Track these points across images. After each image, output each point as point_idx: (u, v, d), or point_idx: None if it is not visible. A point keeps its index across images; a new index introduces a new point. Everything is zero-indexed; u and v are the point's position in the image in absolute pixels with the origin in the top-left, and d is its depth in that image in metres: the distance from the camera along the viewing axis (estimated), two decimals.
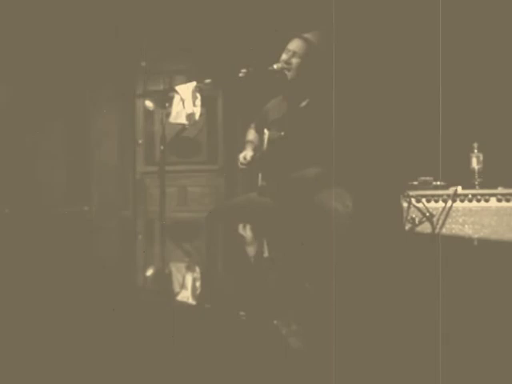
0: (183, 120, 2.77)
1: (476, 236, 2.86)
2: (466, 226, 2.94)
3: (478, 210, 2.94)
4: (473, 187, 3.07)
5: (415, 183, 3.12)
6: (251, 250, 1.68)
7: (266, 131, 2.51)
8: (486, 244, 1.97)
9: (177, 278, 1.17)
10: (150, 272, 1.29)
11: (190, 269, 1.33)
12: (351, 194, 2.29)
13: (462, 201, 2.98)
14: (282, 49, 2.53)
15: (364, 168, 2.59)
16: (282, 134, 2.42)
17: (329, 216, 2.18)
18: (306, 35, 2.53)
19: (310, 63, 2.49)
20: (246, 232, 2.21)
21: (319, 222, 2.21)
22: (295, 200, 2.33)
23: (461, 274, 1.12)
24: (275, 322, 0.73)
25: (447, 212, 2.96)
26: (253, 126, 2.76)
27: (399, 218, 3.02)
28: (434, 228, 2.95)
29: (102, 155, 5.33)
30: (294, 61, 2.47)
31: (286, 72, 2.47)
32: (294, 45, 2.49)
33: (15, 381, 0.54)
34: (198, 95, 2.77)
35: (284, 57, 2.48)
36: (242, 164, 2.50)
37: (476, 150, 3.22)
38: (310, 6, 3.89)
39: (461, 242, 2.04)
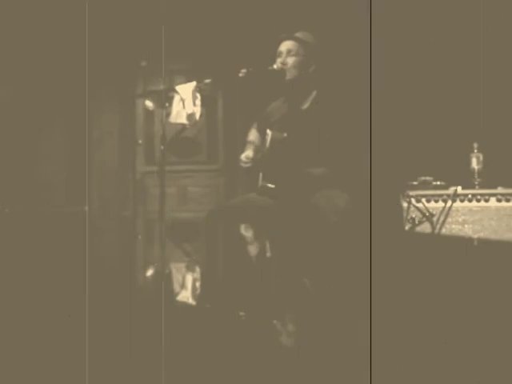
0: (183, 120, 2.77)
1: (476, 236, 2.87)
2: (466, 225, 2.94)
3: (477, 210, 2.94)
4: (473, 187, 3.07)
5: (415, 183, 3.12)
6: (251, 250, 1.68)
7: (268, 132, 2.51)
8: (485, 244, 1.97)
9: (177, 278, 1.17)
10: (149, 272, 1.29)
11: (189, 269, 1.33)
12: (346, 194, 2.30)
13: (461, 201, 2.98)
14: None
15: (363, 168, 2.59)
16: (285, 135, 2.42)
17: (317, 215, 2.20)
18: (296, 34, 2.54)
19: (306, 61, 2.50)
20: (246, 232, 2.21)
21: (312, 221, 2.21)
22: (295, 201, 2.33)
23: (461, 273, 1.12)
24: (275, 321, 0.73)
25: (447, 212, 2.96)
26: (255, 126, 2.77)
27: (399, 218, 3.02)
28: (433, 228, 2.95)
29: (102, 155, 5.33)
30: (290, 60, 2.48)
31: (285, 72, 2.47)
32: (286, 45, 2.51)
33: (15, 380, 0.54)
34: (198, 95, 2.77)
35: (279, 59, 2.50)
36: (244, 163, 2.51)
37: (476, 150, 3.22)
38: (309, 6, 3.89)
39: (461, 242, 2.04)
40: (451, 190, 3.00)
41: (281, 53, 2.51)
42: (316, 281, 1.05)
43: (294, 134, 2.41)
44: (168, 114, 2.81)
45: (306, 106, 2.53)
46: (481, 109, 3.53)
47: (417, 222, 2.99)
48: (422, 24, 3.78)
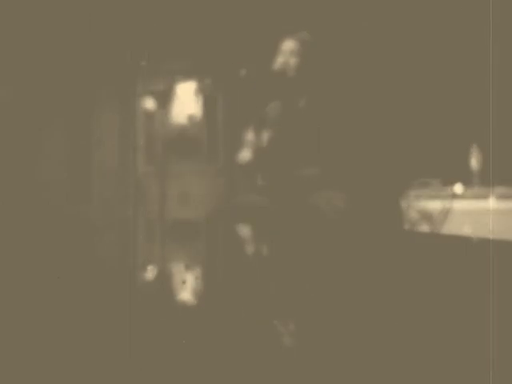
0: (183, 120, 2.77)
1: (475, 236, 2.86)
2: (466, 225, 2.94)
3: (477, 209, 2.94)
4: (472, 187, 3.08)
5: (415, 183, 3.12)
6: (250, 250, 1.68)
7: (265, 132, 2.52)
8: (485, 244, 1.98)
9: (177, 278, 1.17)
10: (150, 272, 1.29)
11: (189, 269, 1.33)
12: (344, 195, 2.30)
13: (461, 201, 2.98)
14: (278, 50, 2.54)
15: (363, 168, 2.59)
16: (281, 134, 2.43)
17: (317, 215, 2.20)
18: (299, 35, 2.54)
19: (307, 61, 2.50)
20: (246, 232, 2.22)
21: (310, 221, 2.22)
22: (293, 200, 2.33)
23: (460, 273, 1.12)
24: (275, 321, 0.74)
25: (446, 212, 2.96)
26: (253, 127, 2.77)
27: (399, 217, 3.02)
28: (433, 228, 2.95)
29: (102, 155, 5.33)
30: (292, 60, 2.48)
31: (286, 71, 2.47)
32: (289, 45, 2.50)
33: (15, 381, 0.54)
34: (198, 95, 2.77)
35: (281, 58, 2.49)
36: (242, 162, 2.50)
37: (476, 150, 3.22)
38: (309, 6, 3.89)
39: (460, 242, 2.04)
40: (451, 190, 3.00)
41: (283, 52, 2.50)
42: (316, 281, 1.06)
43: (293, 134, 2.42)
44: (168, 114, 2.81)
45: (303, 104, 2.53)
46: (481, 109, 3.53)
47: (416, 222, 2.99)
48: (423, 23, 3.78)
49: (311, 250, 1.55)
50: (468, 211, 2.95)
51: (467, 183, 3.11)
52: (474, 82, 3.58)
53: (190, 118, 2.77)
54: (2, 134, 5.01)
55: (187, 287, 1.02)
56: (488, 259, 1.32)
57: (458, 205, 2.97)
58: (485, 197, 2.97)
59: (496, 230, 2.88)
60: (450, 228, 2.94)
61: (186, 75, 4.41)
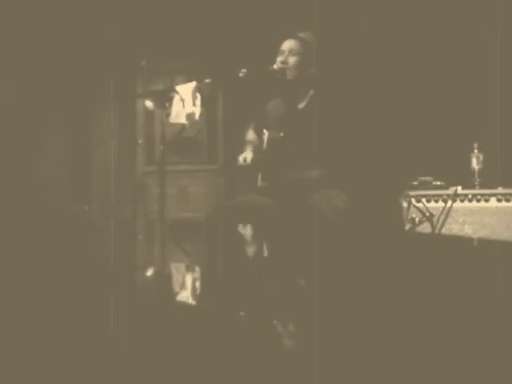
0: (183, 120, 2.77)
1: (476, 236, 2.87)
2: (466, 225, 2.94)
3: (478, 209, 2.94)
4: (473, 187, 3.08)
5: (415, 183, 3.12)
6: (250, 250, 1.68)
7: (265, 132, 2.52)
8: (485, 244, 1.97)
9: (177, 278, 1.17)
10: (150, 272, 1.29)
11: (189, 269, 1.33)
12: (345, 195, 2.30)
13: (462, 201, 2.98)
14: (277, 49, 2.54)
15: (363, 168, 2.59)
16: (282, 134, 2.43)
17: (317, 215, 2.20)
18: (300, 34, 2.54)
19: (307, 61, 2.50)
20: (246, 232, 2.22)
21: (311, 221, 2.22)
22: (294, 201, 2.33)
23: (460, 273, 1.12)
24: (275, 322, 0.73)
25: (447, 212, 2.96)
26: (252, 126, 2.77)
27: (399, 217, 3.02)
28: (433, 228, 2.95)
29: (102, 155, 5.33)
30: (291, 59, 2.48)
31: (286, 71, 2.47)
32: (288, 44, 2.50)
33: (14, 381, 0.54)
34: (198, 95, 2.77)
35: (280, 58, 2.49)
36: (241, 165, 2.50)
37: (476, 150, 3.22)
38: (308, 6, 3.89)
39: (461, 242, 2.04)
40: (451, 190, 3.00)
41: (283, 51, 2.50)
42: (315, 281, 1.05)
43: (292, 134, 2.41)
44: (168, 114, 2.81)
45: (302, 105, 2.53)
46: (481, 109, 3.53)
47: (417, 222, 2.99)
48: (423, 23, 3.79)
49: (311, 249, 1.55)
50: (469, 211, 2.95)
51: (468, 183, 3.12)
52: (476, 81, 3.58)
53: (190, 117, 2.77)
54: (2, 134, 5.01)
55: (187, 287, 1.02)
56: (489, 260, 1.32)
57: (459, 205, 2.97)
58: (485, 197, 2.97)
59: (498, 230, 2.88)
60: (451, 228, 2.94)
61: (186, 75, 4.41)
